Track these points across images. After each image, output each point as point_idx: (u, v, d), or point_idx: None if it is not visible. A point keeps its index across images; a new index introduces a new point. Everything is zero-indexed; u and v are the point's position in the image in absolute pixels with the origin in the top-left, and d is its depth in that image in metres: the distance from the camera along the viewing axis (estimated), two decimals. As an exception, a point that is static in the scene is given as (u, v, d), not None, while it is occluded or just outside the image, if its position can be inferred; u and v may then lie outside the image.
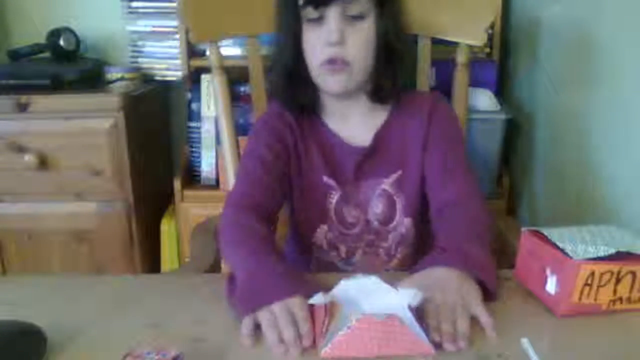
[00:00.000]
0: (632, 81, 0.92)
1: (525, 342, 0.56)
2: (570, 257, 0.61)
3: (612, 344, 0.58)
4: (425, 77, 1.02)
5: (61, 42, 1.52)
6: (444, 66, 1.13)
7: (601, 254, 0.61)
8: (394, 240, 0.89)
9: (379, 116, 0.88)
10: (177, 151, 1.76)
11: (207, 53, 1.34)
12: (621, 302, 0.63)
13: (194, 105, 1.53)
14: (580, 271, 0.60)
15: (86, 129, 1.36)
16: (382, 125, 0.88)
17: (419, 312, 0.59)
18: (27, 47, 1.54)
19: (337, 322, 0.57)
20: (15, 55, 1.55)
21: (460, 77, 1.03)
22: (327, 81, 0.82)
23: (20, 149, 1.36)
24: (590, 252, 0.61)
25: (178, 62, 1.55)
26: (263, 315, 0.60)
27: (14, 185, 1.40)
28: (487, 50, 1.47)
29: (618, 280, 0.62)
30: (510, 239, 0.97)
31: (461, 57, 1.02)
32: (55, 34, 1.52)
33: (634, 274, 0.62)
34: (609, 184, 0.99)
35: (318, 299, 0.58)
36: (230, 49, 1.46)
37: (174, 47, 1.59)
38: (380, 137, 0.87)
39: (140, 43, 1.63)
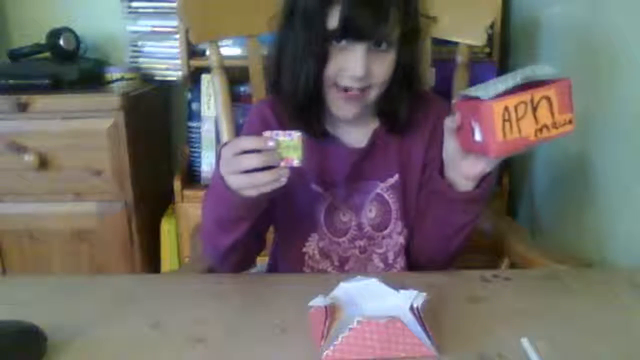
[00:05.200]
0: (631, 81, 0.92)
1: (525, 342, 0.56)
2: (482, 100, 0.63)
3: (612, 344, 0.58)
4: (425, 77, 1.02)
5: (61, 42, 1.52)
6: (444, 66, 1.13)
7: (509, 85, 0.62)
8: (389, 248, 0.86)
9: (377, 118, 0.86)
10: (177, 151, 1.76)
11: (207, 53, 1.34)
12: (548, 130, 0.64)
13: (194, 105, 1.53)
14: (494, 109, 0.62)
15: (86, 129, 1.36)
16: (380, 125, 0.85)
17: (421, 314, 0.59)
18: (27, 47, 1.54)
19: (338, 325, 0.57)
20: (15, 55, 1.55)
21: (460, 77, 1.03)
22: (341, 105, 0.79)
23: (20, 149, 1.36)
24: (499, 89, 0.62)
25: (178, 62, 1.55)
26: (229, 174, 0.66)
27: (14, 185, 1.40)
28: (487, 50, 1.47)
29: (535, 109, 0.63)
30: (510, 239, 0.97)
31: (461, 57, 1.02)
32: (55, 34, 1.52)
33: (548, 98, 0.63)
34: (608, 184, 0.99)
35: (318, 301, 0.58)
36: (230, 49, 1.46)
37: (174, 47, 1.58)
38: (377, 137, 0.85)
39: (140, 43, 1.63)
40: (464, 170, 0.74)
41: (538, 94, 0.63)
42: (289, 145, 0.64)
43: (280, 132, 0.64)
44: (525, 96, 0.62)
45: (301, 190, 0.84)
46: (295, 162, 0.64)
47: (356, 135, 0.85)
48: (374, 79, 0.76)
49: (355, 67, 0.74)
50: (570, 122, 0.64)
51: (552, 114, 0.63)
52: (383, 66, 0.76)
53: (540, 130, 0.63)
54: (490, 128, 0.63)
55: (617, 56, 0.97)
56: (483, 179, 0.74)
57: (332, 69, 0.76)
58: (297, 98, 0.79)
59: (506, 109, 0.62)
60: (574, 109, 0.64)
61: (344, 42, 0.74)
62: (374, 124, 0.86)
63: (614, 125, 0.98)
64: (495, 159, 0.70)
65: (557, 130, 0.64)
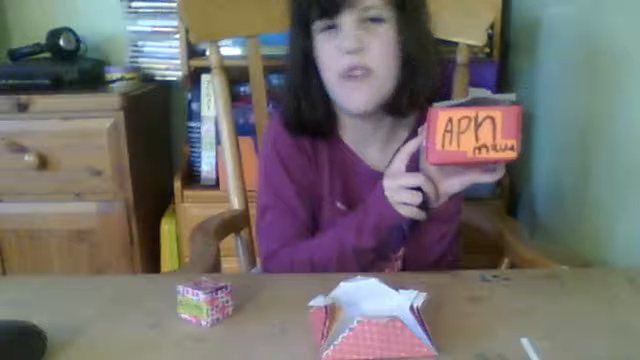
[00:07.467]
0: (631, 81, 0.92)
1: (525, 342, 0.56)
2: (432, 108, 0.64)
3: (612, 345, 0.58)
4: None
5: (61, 42, 1.52)
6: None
7: (461, 101, 0.64)
8: (398, 267, 0.86)
9: (399, 138, 0.84)
10: (177, 151, 1.76)
11: (207, 53, 1.34)
12: (487, 150, 0.64)
13: (194, 105, 1.53)
14: (439, 117, 0.63)
15: (86, 129, 1.36)
16: (402, 145, 0.82)
17: (421, 314, 0.59)
18: (27, 47, 1.54)
19: (338, 324, 0.57)
20: (15, 55, 1.55)
21: (460, 77, 1.03)
22: (349, 95, 0.77)
23: (20, 149, 1.36)
24: (450, 103, 0.64)
25: (178, 62, 1.55)
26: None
27: (14, 185, 1.40)
28: (487, 50, 1.47)
29: (478, 127, 0.63)
30: (510, 239, 0.97)
31: (461, 57, 1.02)
32: (55, 34, 1.52)
33: (492, 119, 0.63)
34: (608, 184, 0.99)
35: (318, 301, 0.58)
36: (230, 49, 1.46)
37: (174, 47, 1.59)
38: None
39: (140, 43, 1.63)
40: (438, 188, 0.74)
41: (483, 112, 0.63)
42: (191, 304, 0.61)
43: (190, 289, 0.61)
44: (470, 112, 0.63)
45: (328, 207, 0.85)
46: (202, 323, 0.61)
47: (379, 155, 0.85)
48: (373, 55, 0.74)
49: (345, 40, 0.73)
50: (512, 148, 0.64)
51: (495, 136, 0.63)
52: (379, 40, 0.74)
53: (479, 149, 0.64)
54: (432, 135, 0.64)
55: (617, 56, 0.98)
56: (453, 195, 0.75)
57: (325, 54, 0.76)
58: (291, 98, 0.81)
59: (450, 120, 0.63)
60: (519, 136, 0.64)
61: (329, 22, 0.74)
62: (396, 144, 0.84)
63: (614, 125, 0.98)
64: (435, 167, 0.70)
65: (497, 153, 0.64)
